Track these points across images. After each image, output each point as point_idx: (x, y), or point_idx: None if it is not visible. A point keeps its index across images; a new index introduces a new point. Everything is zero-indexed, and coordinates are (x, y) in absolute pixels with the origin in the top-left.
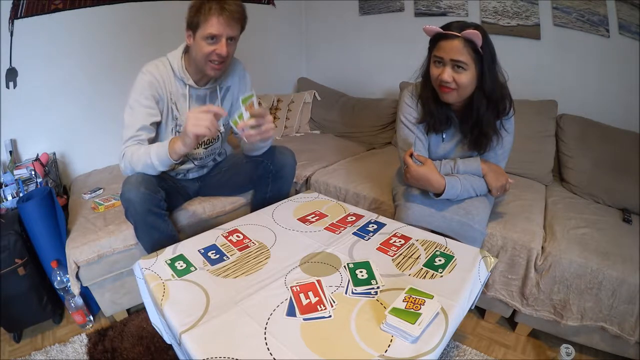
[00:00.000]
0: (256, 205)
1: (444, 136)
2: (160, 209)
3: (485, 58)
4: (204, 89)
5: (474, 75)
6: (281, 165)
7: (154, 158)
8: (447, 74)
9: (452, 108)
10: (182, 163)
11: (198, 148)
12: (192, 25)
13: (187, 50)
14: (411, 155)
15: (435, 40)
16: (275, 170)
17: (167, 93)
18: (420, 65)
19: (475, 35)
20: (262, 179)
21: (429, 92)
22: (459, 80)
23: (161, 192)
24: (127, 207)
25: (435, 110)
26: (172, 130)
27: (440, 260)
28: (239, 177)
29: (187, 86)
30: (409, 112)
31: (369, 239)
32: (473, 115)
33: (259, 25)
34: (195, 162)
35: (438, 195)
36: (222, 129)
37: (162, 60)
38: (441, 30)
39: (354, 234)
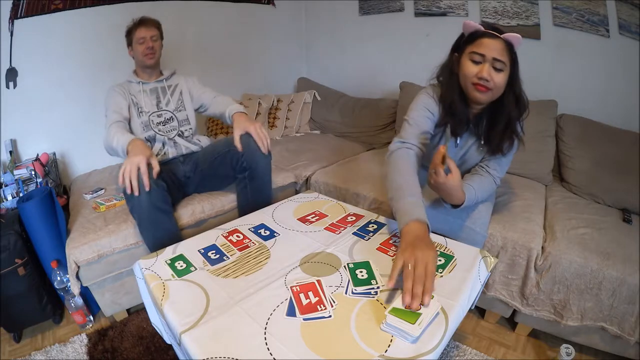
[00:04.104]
0: (242, 210)
1: (458, 142)
2: (166, 203)
3: (516, 60)
4: (153, 82)
5: (507, 78)
6: (254, 164)
7: (119, 142)
8: (487, 72)
9: (470, 111)
10: (154, 140)
11: (158, 125)
12: (129, 42)
13: (135, 69)
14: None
15: (474, 37)
16: (248, 166)
17: (127, 93)
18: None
19: (516, 38)
20: (237, 169)
21: (455, 92)
22: (496, 80)
23: (162, 183)
24: (133, 204)
25: (461, 110)
26: (137, 113)
27: (440, 260)
28: (222, 168)
29: (140, 83)
30: (432, 106)
31: (369, 239)
32: (504, 116)
33: (259, 25)
34: (162, 134)
35: (455, 206)
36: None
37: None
38: (482, 28)
39: (354, 234)
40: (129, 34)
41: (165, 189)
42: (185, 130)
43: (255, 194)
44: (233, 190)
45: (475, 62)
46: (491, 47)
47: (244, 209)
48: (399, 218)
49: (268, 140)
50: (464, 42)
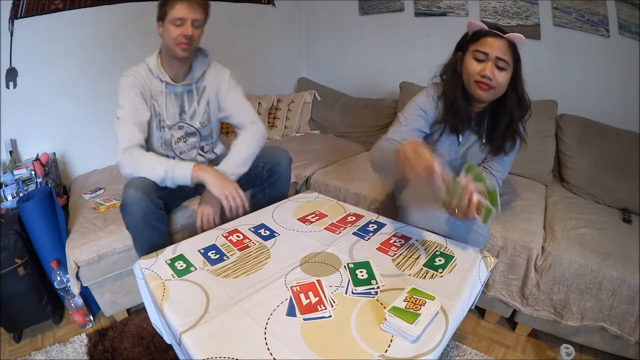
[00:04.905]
0: (255, 205)
1: (460, 139)
2: (160, 222)
3: (519, 61)
4: (180, 85)
5: (509, 77)
6: (274, 164)
7: (169, 174)
8: (490, 70)
9: (472, 109)
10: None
11: (178, 142)
12: (161, 15)
13: (161, 52)
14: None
15: (478, 36)
16: (269, 169)
17: (148, 91)
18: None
19: (519, 39)
20: (257, 180)
21: (458, 90)
22: (499, 79)
23: (161, 202)
24: (129, 222)
25: (463, 108)
26: (156, 126)
27: (440, 260)
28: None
29: (164, 83)
30: (426, 106)
31: (369, 239)
32: (506, 115)
33: (259, 25)
34: (183, 157)
35: None
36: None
37: (139, 65)
38: (486, 27)
39: (354, 234)
40: (164, 5)
41: (162, 207)
42: (207, 144)
43: (275, 192)
44: None
45: (479, 61)
46: (494, 46)
47: (259, 206)
48: (391, 150)
49: (244, 204)
50: (468, 41)
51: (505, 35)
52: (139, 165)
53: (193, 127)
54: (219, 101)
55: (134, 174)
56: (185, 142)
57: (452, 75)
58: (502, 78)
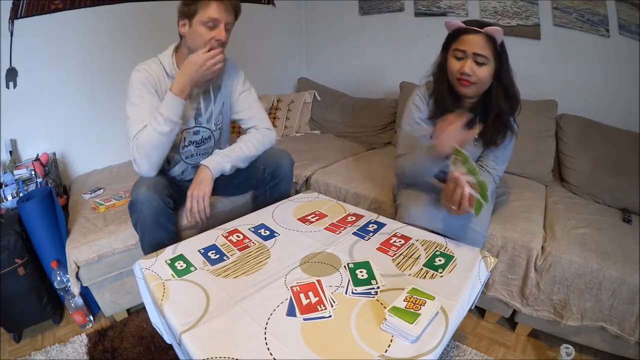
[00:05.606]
0: (257, 207)
1: None
2: (169, 221)
3: (503, 54)
4: (197, 87)
5: (492, 71)
6: (276, 166)
7: (165, 113)
8: (469, 67)
9: (464, 105)
10: (176, 164)
11: (189, 145)
12: (189, 13)
13: (177, 50)
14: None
15: (456, 34)
16: (271, 171)
17: (161, 91)
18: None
19: (497, 31)
20: (259, 183)
21: (444, 87)
22: (479, 74)
23: (171, 202)
24: (138, 220)
25: (450, 104)
26: None
27: (440, 260)
28: (237, 180)
29: None
30: (420, 105)
31: (369, 239)
32: (493, 108)
33: (259, 25)
34: (189, 161)
35: None
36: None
37: (153, 60)
38: (463, 25)
39: (354, 234)
40: (194, 2)
41: (171, 206)
42: (217, 149)
43: (276, 194)
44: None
45: (458, 59)
46: (471, 43)
47: (262, 205)
48: (425, 161)
49: (204, 214)
50: (450, 40)
51: (482, 30)
52: (148, 147)
53: (208, 129)
54: (232, 102)
55: (152, 160)
56: (198, 146)
57: (439, 74)
58: (482, 73)
